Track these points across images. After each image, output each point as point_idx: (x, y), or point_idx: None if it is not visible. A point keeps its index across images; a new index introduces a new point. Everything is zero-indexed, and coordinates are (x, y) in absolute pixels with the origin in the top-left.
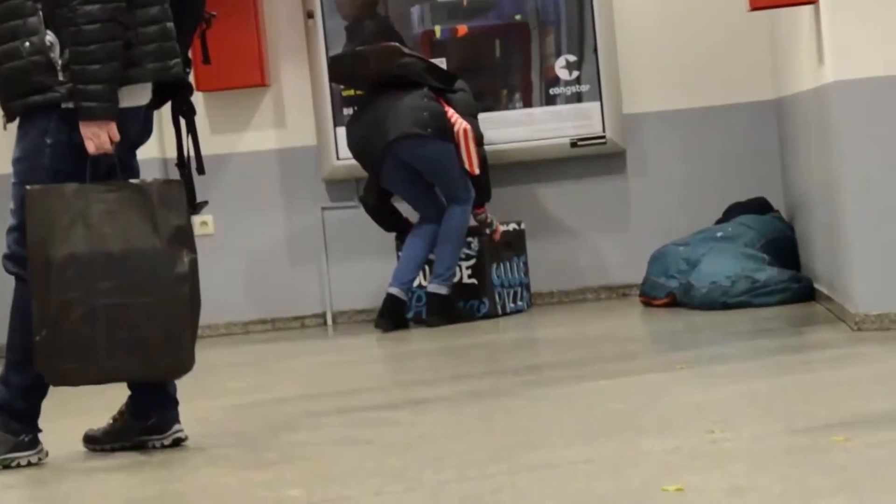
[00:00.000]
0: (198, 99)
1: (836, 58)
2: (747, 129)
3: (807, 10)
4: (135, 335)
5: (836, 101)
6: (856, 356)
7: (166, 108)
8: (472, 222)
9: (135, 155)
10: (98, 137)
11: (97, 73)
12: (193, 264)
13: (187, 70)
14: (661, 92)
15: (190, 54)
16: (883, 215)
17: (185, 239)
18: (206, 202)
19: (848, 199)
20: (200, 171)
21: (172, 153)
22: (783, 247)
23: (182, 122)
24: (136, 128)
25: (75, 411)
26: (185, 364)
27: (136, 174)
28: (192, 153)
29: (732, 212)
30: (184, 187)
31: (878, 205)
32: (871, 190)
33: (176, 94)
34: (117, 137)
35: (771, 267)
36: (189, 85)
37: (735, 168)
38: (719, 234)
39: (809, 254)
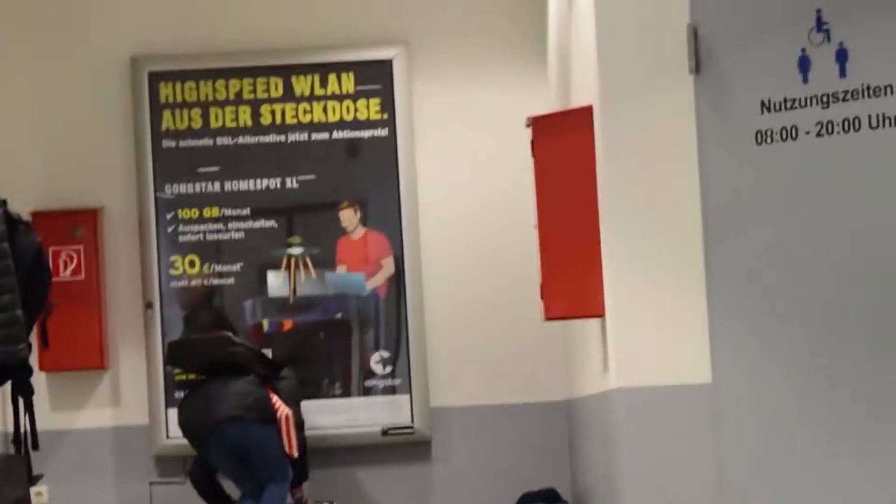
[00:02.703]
0: (40, 378)
1: (618, 366)
2: (541, 425)
3: (595, 320)
4: None
5: (618, 406)
6: None
7: (7, 387)
8: (289, 500)
9: None
10: None
11: None
12: None
13: (28, 353)
14: (465, 388)
15: (31, 338)
16: None
17: None
18: (41, 475)
19: (624, 494)
20: (35, 447)
21: (11, 428)
22: None
23: (21, 401)
24: None
25: None
26: None
27: None
28: (28, 429)
29: (525, 500)
30: (24, 461)
31: (650, 500)
32: (644, 486)
33: (15, 374)
34: None
35: None
36: (28, 367)
37: (529, 460)
38: None
39: None
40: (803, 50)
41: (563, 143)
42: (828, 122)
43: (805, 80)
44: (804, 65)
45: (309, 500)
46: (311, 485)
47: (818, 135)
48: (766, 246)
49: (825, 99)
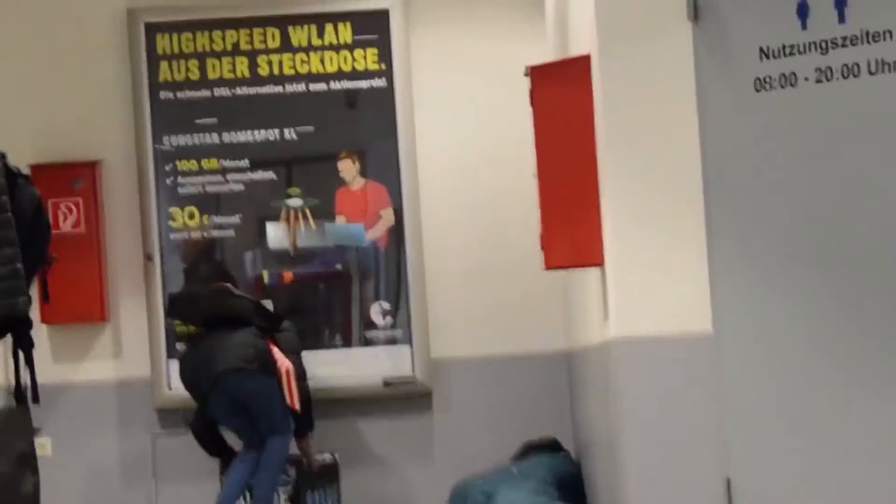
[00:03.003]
0: (42, 331)
1: (618, 316)
2: (542, 376)
3: (595, 270)
4: None
5: (617, 356)
6: None
7: (8, 340)
8: (293, 451)
9: None
10: None
11: None
12: (36, 486)
13: (28, 306)
14: (466, 340)
15: (32, 292)
16: (655, 461)
17: (29, 462)
18: (39, 428)
19: (625, 445)
20: (35, 400)
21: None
22: (572, 484)
23: (21, 354)
24: None
25: None
26: None
27: None
28: (29, 382)
29: (527, 450)
30: (28, 414)
31: (651, 451)
32: (645, 437)
33: (16, 328)
34: None
35: (560, 502)
36: (29, 320)
37: (530, 411)
38: (515, 471)
39: (594, 492)
40: None
41: (561, 92)
42: (827, 68)
43: (804, 26)
44: (803, 11)
45: (312, 450)
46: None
47: (817, 81)
48: (766, 193)
49: (824, 45)
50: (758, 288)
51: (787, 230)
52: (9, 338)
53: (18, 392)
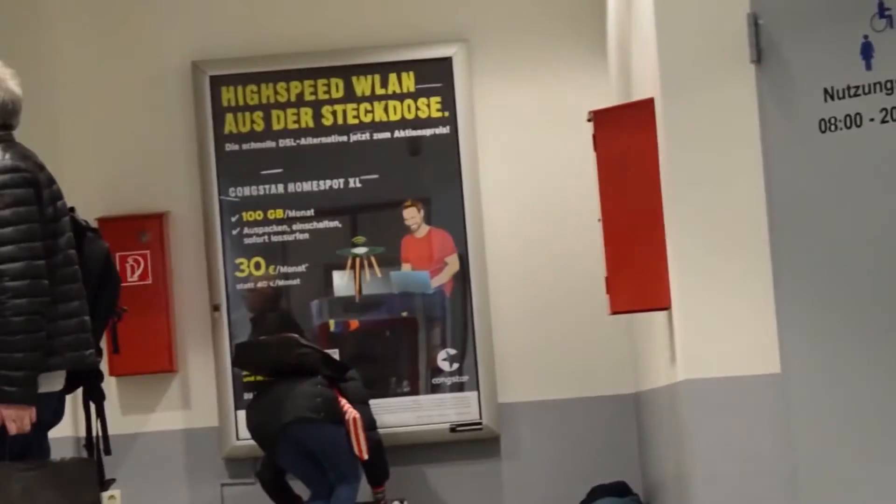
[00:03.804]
0: (111, 382)
1: (686, 358)
2: (609, 419)
3: (661, 314)
4: None
5: (686, 398)
6: None
7: (79, 393)
8: (362, 499)
9: (46, 436)
10: (19, 420)
11: (21, 362)
12: None
13: (98, 359)
14: (532, 384)
15: (102, 343)
16: (727, 502)
17: None
18: (113, 479)
19: (696, 487)
20: (107, 451)
21: (84, 433)
22: None
23: (92, 406)
24: (49, 411)
25: None
26: None
27: (47, 454)
28: (100, 434)
29: (596, 493)
30: (95, 466)
31: (722, 493)
32: (716, 479)
33: (87, 380)
34: (35, 420)
35: None
36: (99, 372)
37: (598, 454)
38: None
39: None
40: (865, 37)
41: (625, 137)
42: (892, 109)
43: (868, 66)
44: (867, 51)
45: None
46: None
47: (883, 121)
48: (832, 234)
49: (889, 85)
50: (826, 327)
51: (853, 269)
52: (79, 390)
53: (89, 443)
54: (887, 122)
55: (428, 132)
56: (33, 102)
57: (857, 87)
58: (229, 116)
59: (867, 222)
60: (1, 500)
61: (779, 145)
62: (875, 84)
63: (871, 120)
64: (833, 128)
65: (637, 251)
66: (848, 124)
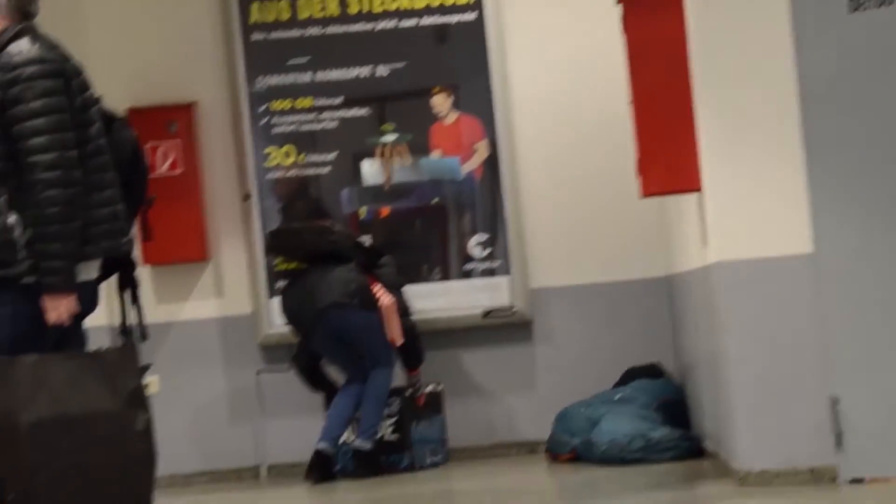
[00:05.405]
0: (145, 271)
1: (718, 240)
2: (642, 302)
3: (692, 196)
4: (99, 492)
5: (718, 280)
6: None
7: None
8: (395, 384)
9: (82, 325)
10: (59, 309)
11: (59, 251)
12: (149, 423)
13: (132, 246)
14: (564, 269)
15: (134, 232)
16: (760, 382)
17: (139, 400)
18: (149, 365)
19: (730, 367)
20: (145, 337)
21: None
22: (675, 408)
23: (126, 294)
24: (86, 300)
25: None
26: None
27: (84, 342)
28: (136, 321)
29: (629, 376)
30: (136, 353)
31: (756, 373)
32: (750, 359)
33: (120, 268)
34: (76, 309)
35: (664, 426)
36: (132, 260)
37: (631, 337)
38: (618, 397)
39: (698, 415)
40: None
41: (654, 19)
42: None
43: None
44: None
45: (422, 386)
46: None
47: None
48: (864, 113)
49: None
50: (857, 207)
51: (885, 148)
52: (113, 278)
53: (125, 330)
54: None
55: (454, 18)
56: None
57: None
58: (255, 5)
59: None
60: (44, 390)
61: (809, 25)
62: None
63: None
64: (864, 6)
65: (668, 134)
66: (878, 3)
